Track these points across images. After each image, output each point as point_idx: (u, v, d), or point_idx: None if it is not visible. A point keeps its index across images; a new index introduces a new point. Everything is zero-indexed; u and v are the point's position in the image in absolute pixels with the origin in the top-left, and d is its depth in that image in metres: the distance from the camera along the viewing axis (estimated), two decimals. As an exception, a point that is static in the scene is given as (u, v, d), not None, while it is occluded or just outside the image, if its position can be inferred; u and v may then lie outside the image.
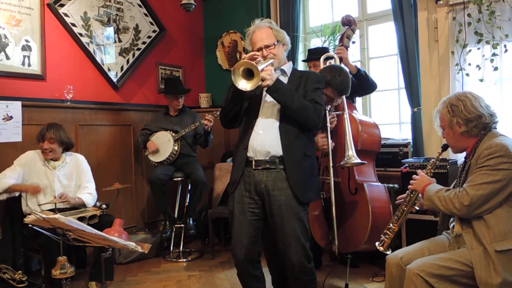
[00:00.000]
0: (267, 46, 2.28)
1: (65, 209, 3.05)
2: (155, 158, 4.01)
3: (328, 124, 2.61)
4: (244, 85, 2.06)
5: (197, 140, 4.12)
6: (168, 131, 4.03)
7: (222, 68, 5.03)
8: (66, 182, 3.19)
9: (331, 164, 2.62)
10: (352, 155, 2.70)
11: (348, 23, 3.20)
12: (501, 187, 1.82)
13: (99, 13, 4.11)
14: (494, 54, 2.96)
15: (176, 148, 3.97)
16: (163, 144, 4.00)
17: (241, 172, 2.26)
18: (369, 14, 3.98)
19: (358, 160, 2.70)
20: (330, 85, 2.56)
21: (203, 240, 4.46)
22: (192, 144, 4.13)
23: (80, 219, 2.86)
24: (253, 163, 2.23)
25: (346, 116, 2.78)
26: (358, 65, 3.98)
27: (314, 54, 3.43)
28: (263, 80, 2.07)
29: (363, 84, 3.18)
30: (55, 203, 2.86)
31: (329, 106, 2.68)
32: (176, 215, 4.14)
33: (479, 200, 1.83)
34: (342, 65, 2.93)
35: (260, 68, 2.05)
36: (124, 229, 2.45)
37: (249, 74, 2.06)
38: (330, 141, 2.67)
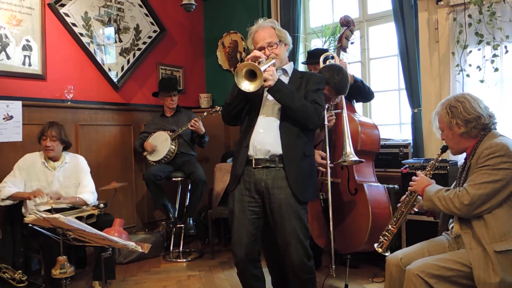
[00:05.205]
0: (269, 45, 2.29)
1: (62, 209, 3.03)
2: (153, 158, 4.03)
3: (326, 122, 2.61)
4: (247, 86, 2.08)
5: (194, 139, 4.15)
6: (166, 131, 4.05)
7: (222, 69, 5.03)
8: (65, 183, 3.19)
9: (328, 162, 2.62)
10: (350, 153, 2.70)
11: (347, 23, 3.20)
12: (502, 186, 1.82)
13: (100, 13, 4.11)
14: (494, 55, 2.96)
15: (173, 146, 3.99)
16: (161, 144, 4.02)
17: (241, 171, 2.27)
18: (369, 14, 3.98)
19: (356, 158, 2.70)
20: (327, 84, 2.56)
21: (203, 240, 4.46)
22: (190, 142, 4.15)
23: (78, 218, 2.85)
24: (253, 161, 2.23)
25: (345, 114, 2.78)
26: (359, 66, 4.01)
27: (313, 57, 3.41)
28: (265, 80, 2.09)
29: (359, 94, 3.21)
30: (51, 204, 2.83)
31: (328, 104, 2.68)
32: (176, 215, 4.14)
33: (480, 200, 1.83)
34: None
35: (262, 69, 2.06)
36: (124, 229, 2.45)
37: (252, 75, 2.07)
38: (328, 161, 2.65)
